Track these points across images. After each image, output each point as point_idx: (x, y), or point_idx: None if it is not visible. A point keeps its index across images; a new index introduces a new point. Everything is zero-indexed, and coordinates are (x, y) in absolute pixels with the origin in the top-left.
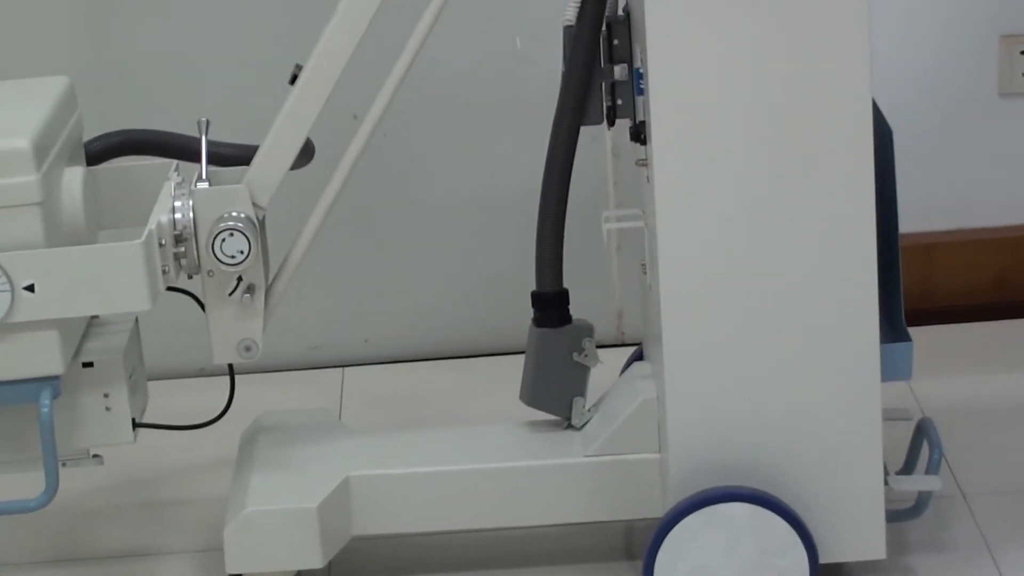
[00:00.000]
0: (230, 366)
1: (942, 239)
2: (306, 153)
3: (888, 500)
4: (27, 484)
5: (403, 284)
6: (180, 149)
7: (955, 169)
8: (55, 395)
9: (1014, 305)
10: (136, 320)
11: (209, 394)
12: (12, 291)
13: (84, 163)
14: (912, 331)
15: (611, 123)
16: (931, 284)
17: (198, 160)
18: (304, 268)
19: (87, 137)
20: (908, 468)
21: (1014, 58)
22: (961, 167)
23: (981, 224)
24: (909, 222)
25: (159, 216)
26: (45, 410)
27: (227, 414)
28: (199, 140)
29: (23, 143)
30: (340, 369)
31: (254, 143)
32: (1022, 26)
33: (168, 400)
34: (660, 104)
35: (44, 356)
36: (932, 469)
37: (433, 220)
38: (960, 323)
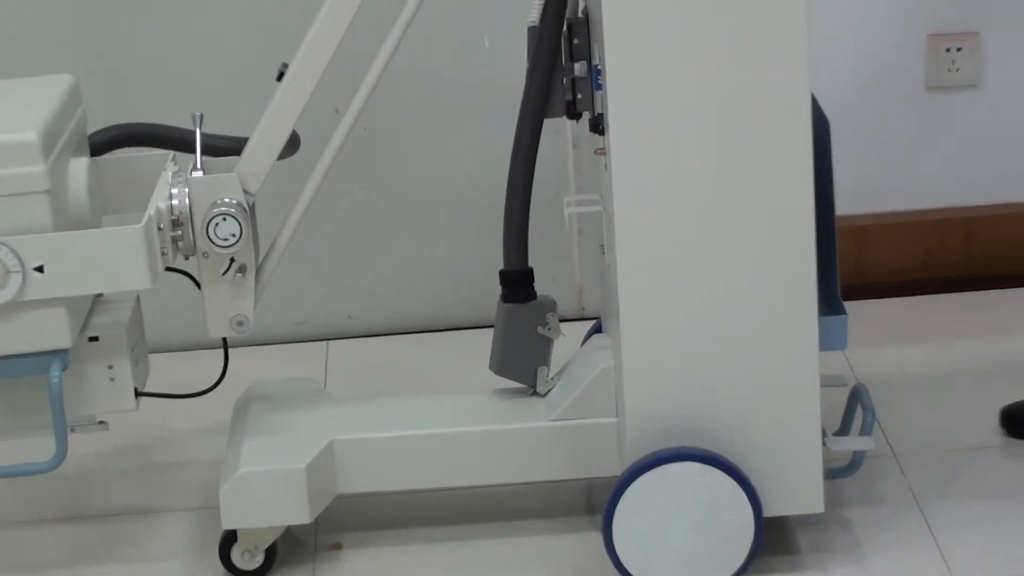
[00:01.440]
0: (224, 340)
1: (874, 221)
2: (292, 144)
3: (825, 459)
4: (39, 448)
5: (382, 264)
6: (177, 141)
7: (887, 157)
8: (64, 367)
9: (940, 281)
10: (138, 298)
11: (205, 365)
12: (23, 272)
13: (88, 154)
14: (847, 305)
15: (572, 116)
16: (864, 262)
17: (193, 151)
18: (292, 249)
19: (91, 130)
20: (844, 430)
21: (940, 54)
22: (892, 155)
23: (910, 207)
24: (844, 205)
25: (158, 202)
26: (55, 381)
27: (221, 384)
28: (194, 132)
29: (32, 136)
30: (325, 342)
31: (244, 135)
32: (948, 25)
33: (167, 371)
34: (617, 98)
35: (53, 331)
36: (866, 431)
37: (410, 205)
38: (891, 298)
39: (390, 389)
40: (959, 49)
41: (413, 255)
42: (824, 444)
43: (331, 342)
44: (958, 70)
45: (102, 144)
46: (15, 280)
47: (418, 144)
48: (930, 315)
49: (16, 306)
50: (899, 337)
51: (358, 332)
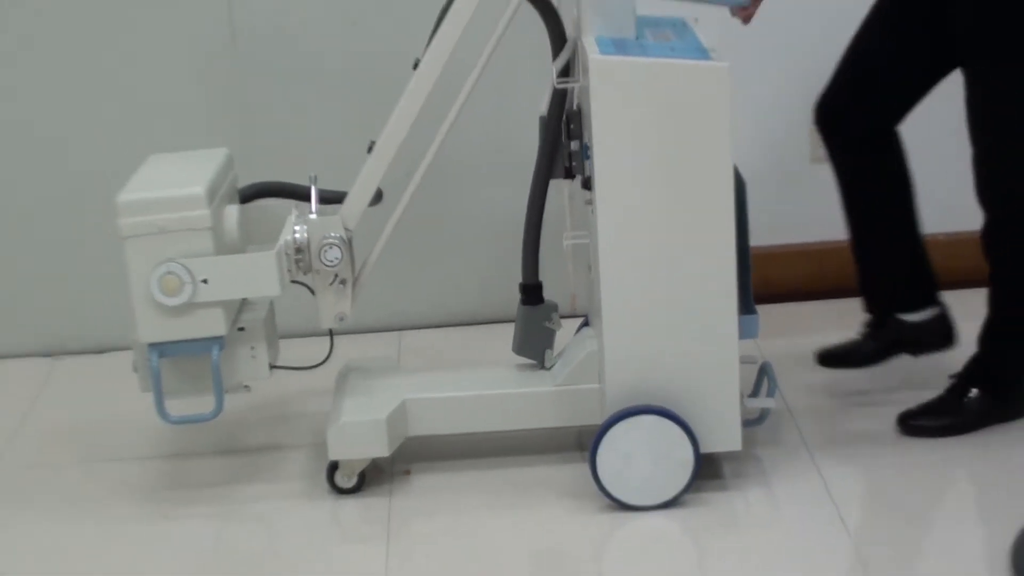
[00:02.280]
0: (330, 330)
1: (777, 250)
2: (378, 197)
3: (743, 414)
4: (204, 404)
5: (440, 276)
6: (298, 194)
7: (785, 207)
8: (221, 348)
9: (821, 291)
10: (272, 301)
11: (317, 347)
12: (193, 283)
13: (238, 203)
14: (758, 308)
15: (569, 176)
16: (770, 278)
17: (310, 200)
18: (376, 266)
19: (240, 186)
20: (755, 393)
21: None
22: (788, 205)
23: (801, 240)
24: (756, 239)
25: (285, 236)
26: (214, 357)
27: (328, 360)
28: (310, 188)
29: (200, 190)
30: (399, 332)
31: (344, 190)
32: None
33: (291, 350)
34: (600, 166)
35: (213, 324)
36: (770, 394)
37: (460, 236)
38: (788, 303)
39: (443, 364)
40: None
41: (460, 270)
42: (742, 403)
43: (403, 331)
44: None
45: (247, 196)
46: (188, 289)
47: (468, 193)
48: (816, 315)
49: (189, 307)
50: (794, 330)
51: (421, 325)
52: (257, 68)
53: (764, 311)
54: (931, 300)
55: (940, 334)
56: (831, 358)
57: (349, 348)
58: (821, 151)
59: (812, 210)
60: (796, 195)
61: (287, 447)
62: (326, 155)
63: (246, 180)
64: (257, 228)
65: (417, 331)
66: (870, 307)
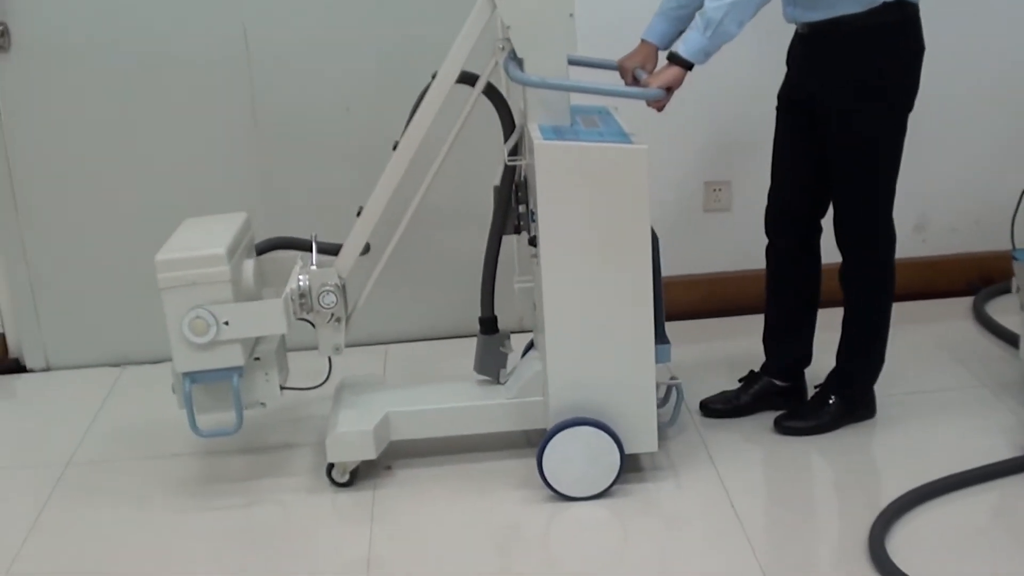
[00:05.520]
0: (329, 358)
1: (677, 280)
2: (366, 249)
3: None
4: (229, 419)
5: (417, 303)
6: (303, 246)
7: (685, 248)
8: (240, 375)
9: (709, 312)
10: (283, 335)
11: (321, 361)
12: (217, 325)
13: (255, 255)
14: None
15: (518, 232)
16: (671, 300)
17: (311, 252)
18: (367, 297)
19: (256, 241)
20: (664, 402)
21: (710, 192)
22: (687, 246)
23: (696, 272)
24: (664, 271)
25: (291, 284)
26: (235, 383)
27: (327, 381)
28: (312, 242)
29: (221, 250)
30: (385, 345)
31: (340, 243)
32: (713, 176)
33: (300, 363)
34: (544, 228)
35: (234, 356)
36: (676, 408)
37: (432, 273)
38: (684, 320)
39: (420, 373)
40: (719, 190)
41: (432, 298)
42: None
43: (388, 345)
44: (719, 201)
45: (262, 249)
46: (212, 330)
47: (438, 241)
48: (707, 334)
49: (214, 344)
50: (691, 341)
51: (403, 340)
52: (272, 146)
53: (668, 326)
54: (800, 374)
55: (798, 395)
56: (713, 411)
57: (345, 359)
58: (712, 203)
59: (705, 249)
60: (692, 237)
61: (296, 445)
62: (325, 215)
63: (262, 236)
64: (270, 275)
65: (400, 344)
66: (768, 368)
